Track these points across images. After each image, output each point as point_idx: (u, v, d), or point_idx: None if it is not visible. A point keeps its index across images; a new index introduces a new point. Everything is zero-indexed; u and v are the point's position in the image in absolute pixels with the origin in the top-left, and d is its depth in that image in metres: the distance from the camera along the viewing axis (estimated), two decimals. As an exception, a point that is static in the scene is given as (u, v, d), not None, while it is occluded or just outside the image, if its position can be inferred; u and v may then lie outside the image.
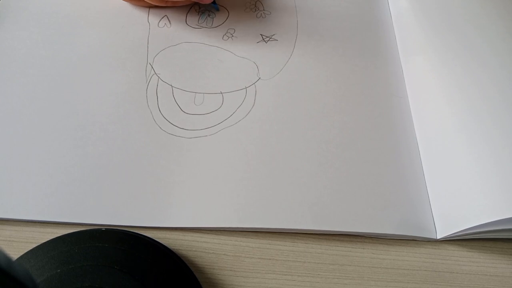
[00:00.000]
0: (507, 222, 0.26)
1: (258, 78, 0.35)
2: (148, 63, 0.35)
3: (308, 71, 0.36)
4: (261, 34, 0.38)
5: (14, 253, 0.26)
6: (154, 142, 0.31)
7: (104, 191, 0.28)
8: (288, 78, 0.35)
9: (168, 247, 0.27)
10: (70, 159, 0.30)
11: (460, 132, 0.30)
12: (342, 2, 0.41)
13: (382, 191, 0.30)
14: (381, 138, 0.33)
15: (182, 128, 0.32)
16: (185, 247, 0.27)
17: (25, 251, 0.25)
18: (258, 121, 0.33)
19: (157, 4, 0.37)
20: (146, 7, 0.39)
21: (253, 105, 0.34)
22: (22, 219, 0.27)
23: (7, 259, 0.13)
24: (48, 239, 0.26)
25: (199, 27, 0.38)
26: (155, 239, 0.27)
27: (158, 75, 0.35)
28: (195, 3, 0.40)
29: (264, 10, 0.40)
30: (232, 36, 0.38)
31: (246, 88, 0.35)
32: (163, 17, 0.38)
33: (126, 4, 0.39)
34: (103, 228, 0.27)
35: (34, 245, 0.26)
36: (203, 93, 0.34)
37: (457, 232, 0.28)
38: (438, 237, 0.29)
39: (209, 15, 0.39)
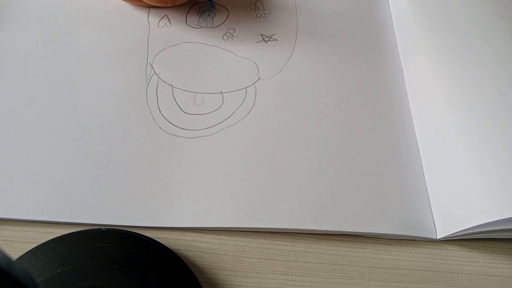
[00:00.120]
0: (507, 222, 0.26)
1: (258, 78, 0.35)
2: (148, 63, 0.35)
3: (308, 71, 0.36)
4: (261, 34, 0.38)
5: (14, 253, 0.26)
6: (154, 142, 0.31)
7: (104, 191, 0.28)
8: (288, 78, 0.35)
9: (168, 247, 0.27)
10: (70, 159, 0.30)
11: (460, 132, 0.30)
12: (342, 2, 0.41)
13: (382, 191, 0.30)
14: (381, 138, 0.33)
15: (182, 128, 0.32)
16: (185, 247, 0.27)
17: (25, 251, 0.25)
18: (258, 121, 0.33)
19: (157, 4, 0.37)
20: (146, 7, 0.39)
21: (253, 105, 0.34)
22: (22, 219, 0.27)
23: (7, 259, 0.13)
24: (48, 239, 0.26)
25: (199, 27, 0.38)
26: (155, 239, 0.27)
27: (158, 75, 0.35)
28: (195, 3, 0.40)
29: (264, 10, 0.40)
30: (232, 36, 0.38)
31: (246, 88, 0.35)
32: (163, 17, 0.38)
33: (126, 4, 0.39)
34: (103, 228, 0.27)
35: (34, 245, 0.26)
36: (203, 93, 0.34)
37: (457, 232, 0.28)
38: (438, 237, 0.29)
39: (209, 15, 0.39)
